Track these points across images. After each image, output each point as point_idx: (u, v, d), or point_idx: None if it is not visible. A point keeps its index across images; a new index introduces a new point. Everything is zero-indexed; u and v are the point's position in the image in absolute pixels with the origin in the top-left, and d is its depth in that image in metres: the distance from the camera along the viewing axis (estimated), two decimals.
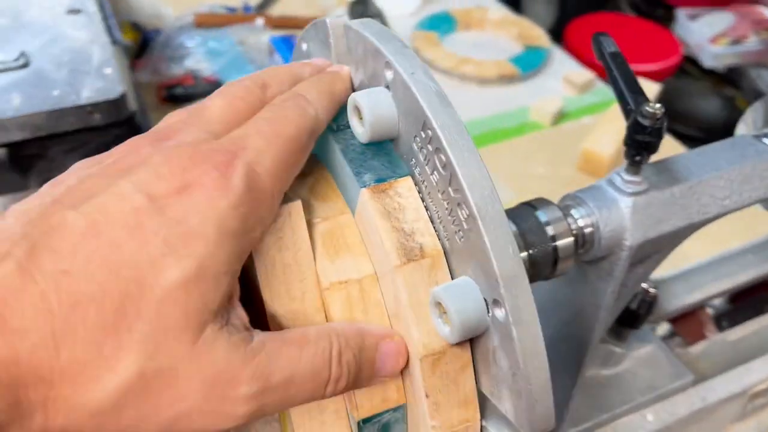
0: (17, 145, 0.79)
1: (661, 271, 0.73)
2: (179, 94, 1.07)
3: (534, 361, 0.27)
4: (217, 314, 0.24)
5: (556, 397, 0.51)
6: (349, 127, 0.33)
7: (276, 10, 1.29)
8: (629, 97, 0.42)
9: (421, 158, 0.30)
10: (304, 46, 0.39)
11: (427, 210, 0.31)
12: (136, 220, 0.23)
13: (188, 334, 0.23)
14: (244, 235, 0.26)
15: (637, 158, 0.42)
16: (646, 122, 0.41)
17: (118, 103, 0.70)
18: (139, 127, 0.88)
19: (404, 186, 0.31)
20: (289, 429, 0.31)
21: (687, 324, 0.67)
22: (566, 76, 1.17)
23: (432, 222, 0.31)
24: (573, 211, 0.43)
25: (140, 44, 1.16)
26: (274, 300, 0.30)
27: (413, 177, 0.31)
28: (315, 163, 0.34)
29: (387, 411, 0.31)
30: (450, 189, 0.28)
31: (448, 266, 0.30)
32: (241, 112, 0.28)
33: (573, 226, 0.43)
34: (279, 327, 0.30)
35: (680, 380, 0.57)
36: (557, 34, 1.83)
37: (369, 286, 0.31)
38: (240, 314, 0.26)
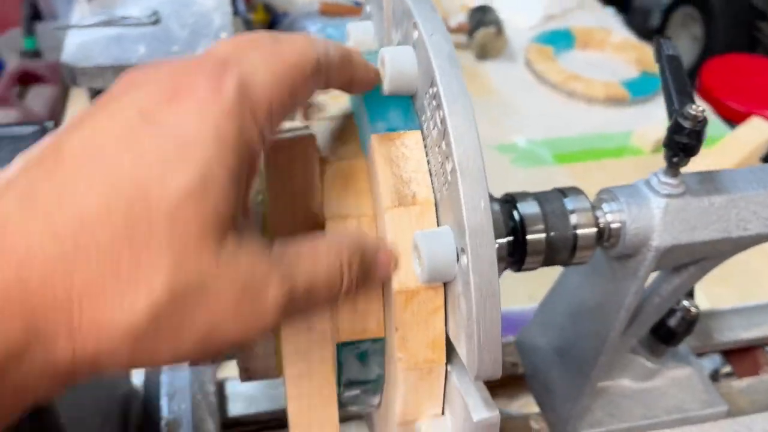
0: None
1: (725, 303, 0.70)
2: None
3: (487, 307, 0.29)
4: (231, 220, 0.24)
5: (569, 390, 0.51)
6: None
7: None
8: (675, 98, 0.42)
9: (428, 113, 0.33)
10: (367, 8, 0.43)
11: (428, 164, 0.33)
12: (130, 134, 0.23)
13: (209, 241, 0.23)
14: (242, 145, 0.25)
15: (675, 159, 0.42)
16: (686, 123, 0.41)
17: None
18: None
19: (412, 139, 0.33)
20: (280, 345, 0.35)
21: (741, 359, 0.64)
22: None
23: (430, 176, 0.33)
24: (604, 205, 0.44)
25: (268, 24, 1.25)
26: (278, 222, 0.33)
27: (422, 132, 0.34)
28: (342, 106, 0.37)
29: (365, 341, 0.34)
30: (443, 143, 0.31)
31: (437, 218, 0.32)
32: (245, 47, 0.27)
33: (600, 219, 0.43)
34: None
35: (712, 408, 0.55)
36: (694, 71, 1.77)
37: (366, 225, 0.34)
38: (252, 222, 0.29)
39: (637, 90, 1.16)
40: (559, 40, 1.29)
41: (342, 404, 0.36)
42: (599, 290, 0.48)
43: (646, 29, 2.41)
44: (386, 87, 0.34)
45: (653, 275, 0.50)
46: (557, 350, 0.54)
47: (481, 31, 1.22)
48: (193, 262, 0.23)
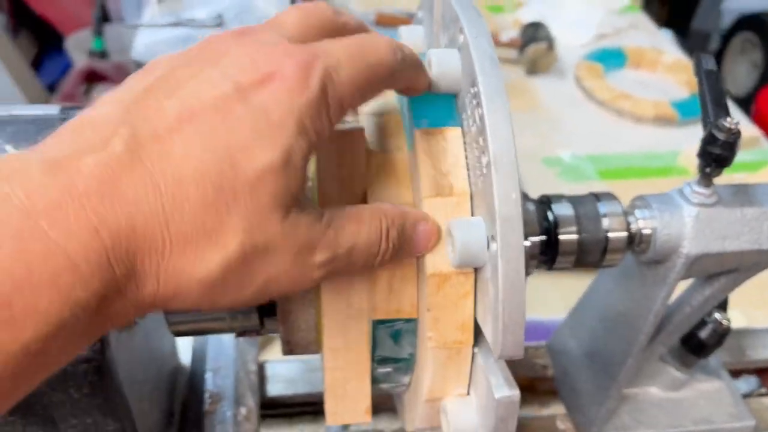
0: None
1: (763, 324, 0.70)
2: None
3: (512, 292, 0.31)
4: (297, 197, 0.28)
5: (596, 392, 0.53)
6: None
7: None
8: (711, 110, 0.44)
9: (469, 111, 0.35)
10: (419, 14, 0.45)
11: (466, 159, 0.36)
12: (226, 106, 0.26)
13: (278, 213, 0.26)
14: (314, 133, 0.28)
15: (707, 170, 0.44)
16: (720, 135, 0.42)
17: None
18: None
19: (452, 134, 0.36)
20: (320, 320, 0.37)
21: None
22: None
23: (467, 169, 0.35)
24: (636, 211, 0.45)
25: None
26: (325, 207, 0.36)
27: (462, 128, 0.36)
28: (390, 104, 0.40)
29: (399, 320, 0.36)
30: (480, 138, 0.33)
31: (471, 209, 0.35)
32: (313, 27, 0.30)
33: (632, 224, 0.45)
34: None
35: (740, 422, 0.56)
36: (752, 97, 1.74)
37: None
38: (306, 195, 0.31)
39: (687, 111, 1.16)
40: (610, 58, 1.30)
41: (375, 380, 0.38)
42: (629, 296, 0.50)
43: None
44: (431, 86, 0.37)
45: (684, 284, 0.51)
46: (587, 353, 0.56)
47: (532, 46, 1.23)
48: (263, 228, 0.26)
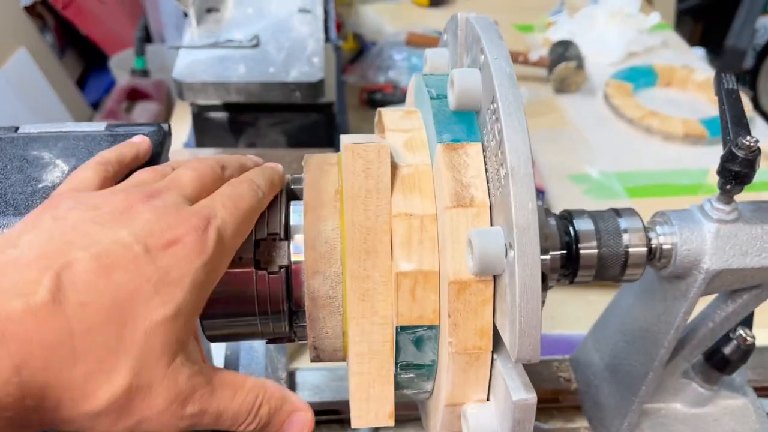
0: (236, 112, 0.97)
1: None
2: (377, 99, 1.20)
3: (529, 297, 0.32)
4: (185, 346, 0.32)
5: (617, 406, 0.53)
6: (446, 96, 0.40)
7: None
8: (731, 129, 0.45)
9: (489, 127, 0.37)
10: (444, 36, 0.47)
11: (486, 172, 0.37)
12: (136, 267, 0.31)
13: (165, 359, 0.31)
14: (209, 284, 0.34)
15: (727, 187, 0.45)
16: (739, 152, 0.43)
17: (316, 86, 0.83)
18: (334, 116, 1.02)
19: (473, 149, 0.37)
20: (347, 327, 0.39)
21: None
22: (761, 147, 1.12)
23: (487, 182, 0.37)
24: (657, 227, 0.46)
25: (357, 52, 1.32)
26: (353, 215, 0.38)
27: (483, 144, 0.38)
28: (415, 122, 0.42)
29: (422, 326, 0.38)
30: (499, 151, 0.35)
31: (491, 219, 0.36)
32: (206, 186, 0.37)
33: (653, 239, 0.46)
34: (353, 239, 0.37)
35: None
36: None
37: (428, 222, 0.38)
38: (199, 348, 0.35)
39: (717, 129, 1.15)
40: (641, 76, 1.30)
41: (398, 385, 0.40)
42: (651, 310, 0.50)
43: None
44: (453, 103, 0.39)
45: (707, 300, 0.52)
46: (609, 367, 0.56)
47: (561, 65, 1.24)
48: (150, 369, 0.31)
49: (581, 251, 0.44)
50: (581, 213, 0.46)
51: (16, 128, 0.44)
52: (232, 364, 0.59)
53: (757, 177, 1.10)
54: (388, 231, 0.38)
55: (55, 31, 2.11)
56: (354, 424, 0.38)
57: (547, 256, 0.42)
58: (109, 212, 0.33)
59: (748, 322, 0.56)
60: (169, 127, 0.46)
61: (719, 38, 2.42)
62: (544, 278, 0.41)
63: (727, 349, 0.55)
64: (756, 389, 0.60)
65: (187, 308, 0.32)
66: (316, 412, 0.61)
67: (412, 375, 0.40)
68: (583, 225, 0.45)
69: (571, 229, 0.45)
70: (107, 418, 0.30)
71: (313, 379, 0.60)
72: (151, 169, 0.38)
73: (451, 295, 0.35)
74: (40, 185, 0.40)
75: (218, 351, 0.61)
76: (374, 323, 0.38)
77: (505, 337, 0.34)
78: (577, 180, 1.08)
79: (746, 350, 0.55)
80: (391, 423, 0.38)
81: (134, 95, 1.79)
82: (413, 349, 0.38)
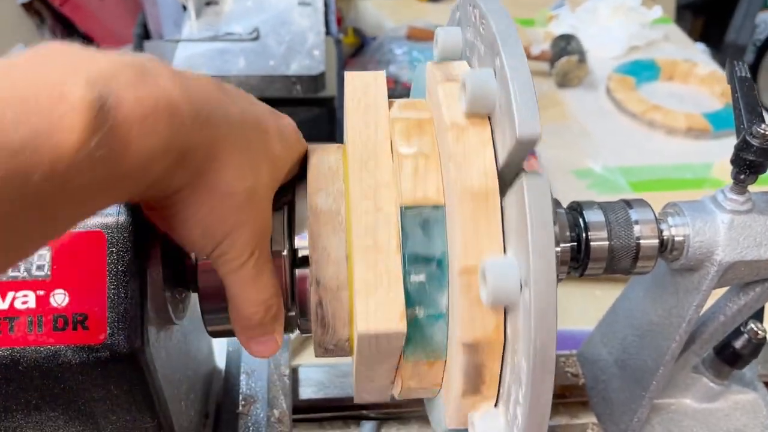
0: None
1: None
2: None
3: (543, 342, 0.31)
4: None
5: (627, 401, 0.52)
6: None
7: None
8: (745, 117, 0.44)
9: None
10: (457, 14, 0.45)
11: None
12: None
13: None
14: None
15: (741, 177, 0.44)
16: (754, 141, 0.42)
17: (317, 79, 0.82)
18: (335, 111, 1.01)
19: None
20: (350, 244, 0.37)
21: None
22: None
23: None
24: (669, 218, 0.45)
25: (358, 47, 1.31)
26: (354, 130, 0.38)
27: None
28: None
29: (426, 206, 0.36)
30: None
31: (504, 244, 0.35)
32: None
33: (665, 231, 0.45)
34: (355, 152, 0.37)
35: None
36: None
37: (426, 123, 0.38)
38: None
39: (720, 122, 1.15)
40: (643, 70, 1.29)
41: (409, 298, 0.36)
42: (662, 303, 0.49)
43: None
44: (465, 107, 0.36)
45: (718, 294, 0.51)
46: (618, 362, 0.55)
47: (563, 59, 1.23)
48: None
49: (591, 243, 0.43)
50: (591, 204, 0.45)
51: None
52: (234, 360, 0.58)
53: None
54: (388, 138, 0.38)
55: (52, 28, 2.09)
56: (359, 328, 0.34)
57: (558, 249, 0.41)
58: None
59: (759, 315, 0.55)
60: None
61: (719, 34, 2.41)
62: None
63: (738, 344, 0.54)
64: (767, 384, 0.60)
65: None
66: (320, 409, 0.61)
67: (422, 277, 0.36)
68: (594, 216, 0.44)
69: (580, 220, 0.44)
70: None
71: (316, 375, 0.59)
72: None
73: (451, 140, 0.35)
74: None
75: (220, 347, 0.60)
76: (378, 219, 0.36)
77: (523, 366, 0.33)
78: (581, 175, 1.07)
79: (757, 344, 0.54)
80: (403, 329, 0.34)
81: None
82: (420, 234, 0.36)
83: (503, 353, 0.35)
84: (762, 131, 0.42)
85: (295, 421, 0.61)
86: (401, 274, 0.35)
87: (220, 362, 0.60)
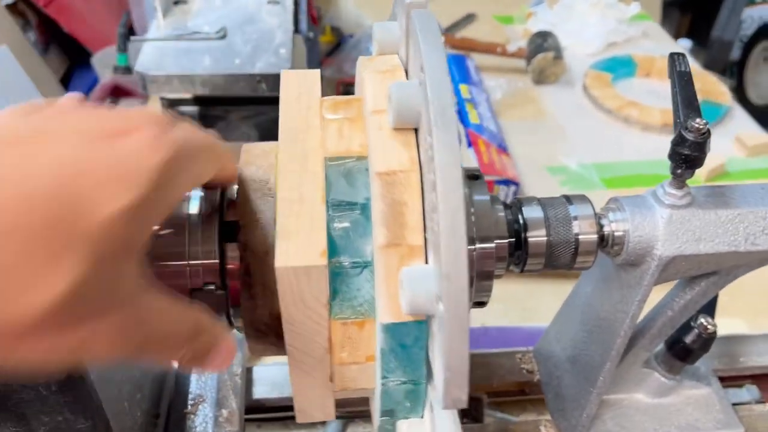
0: (206, 106, 0.96)
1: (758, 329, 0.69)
2: (353, 92, 1.19)
3: (456, 355, 0.31)
4: (140, 249, 0.27)
5: (577, 397, 0.52)
6: None
7: (465, 33, 1.37)
8: (682, 112, 0.44)
9: (425, 149, 0.35)
10: (394, 9, 0.45)
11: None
12: (85, 149, 0.25)
13: (126, 262, 0.26)
14: (163, 196, 0.28)
15: (678, 171, 0.44)
16: (689, 136, 0.42)
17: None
18: None
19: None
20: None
21: None
22: (738, 135, 1.11)
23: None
24: (610, 214, 0.45)
25: (335, 45, 1.31)
26: (285, 110, 0.39)
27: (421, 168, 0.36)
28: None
29: (349, 158, 0.37)
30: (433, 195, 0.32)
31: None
32: None
33: (605, 227, 0.45)
34: (285, 130, 0.38)
35: (728, 429, 0.55)
36: None
37: (355, 102, 0.40)
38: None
39: None
40: (620, 67, 1.29)
41: (334, 247, 0.35)
42: (608, 299, 0.49)
43: (726, 63, 2.35)
44: (392, 120, 0.36)
45: (665, 288, 0.51)
46: (569, 358, 0.55)
47: (539, 56, 1.23)
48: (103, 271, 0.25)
49: (530, 239, 0.43)
50: (531, 200, 0.45)
51: None
52: None
53: (739, 166, 1.09)
54: (317, 115, 0.39)
55: (37, 29, 2.09)
56: (278, 263, 0.33)
57: (493, 245, 0.41)
58: (55, 112, 0.28)
59: (710, 310, 0.55)
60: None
61: (706, 30, 2.41)
62: (490, 275, 0.40)
63: (689, 338, 0.54)
64: (722, 379, 0.59)
65: (151, 206, 0.26)
66: (275, 408, 0.60)
67: (346, 224, 0.36)
68: (532, 212, 0.44)
69: (520, 217, 0.44)
70: (43, 331, 0.24)
71: (271, 374, 0.59)
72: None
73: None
74: None
75: None
76: (304, 177, 0.36)
77: (438, 380, 0.33)
78: (554, 171, 1.07)
79: (707, 339, 0.54)
80: (323, 263, 0.34)
81: (117, 92, 1.77)
82: (344, 183, 0.37)
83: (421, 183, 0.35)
84: (696, 125, 0.42)
85: (255, 421, 0.61)
86: (324, 221, 0.35)
87: (174, 362, 0.60)
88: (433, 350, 0.35)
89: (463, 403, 0.33)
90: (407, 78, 0.40)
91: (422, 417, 0.38)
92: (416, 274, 0.33)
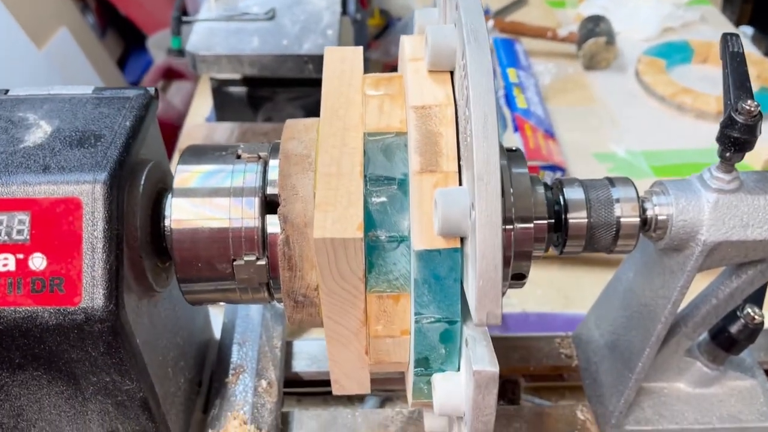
0: (254, 87, 0.97)
1: None
2: None
3: (489, 246, 0.31)
4: None
5: (615, 383, 0.52)
6: None
7: (515, 17, 1.35)
8: (733, 93, 0.42)
9: (461, 87, 0.36)
10: None
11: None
12: None
13: None
14: None
15: (726, 155, 0.42)
16: (739, 118, 0.41)
17: None
18: None
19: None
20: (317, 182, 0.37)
21: None
22: None
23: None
24: (654, 197, 0.45)
25: (383, 28, 1.31)
26: (327, 85, 0.41)
27: (455, 102, 0.37)
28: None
29: (389, 133, 0.38)
30: (467, 109, 0.33)
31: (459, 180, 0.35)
32: None
33: (648, 210, 0.44)
34: (327, 107, 0.39)
35: None
36: None
37: (397, 79, 0.41)
38: None
39: None
40: (675, 53, 1.25)
41: (371, 219, 0.36)
42: (649, 284, 0.49)
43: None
44: (428, 62, 0.37)
45: (710, 276, 0.50)
46: (609, 344, 0.55)
47: (591, 41, 1.20)
48: None
49: (570, 221, 0.43)
50: (572, 181, 0.45)
51: (6, 91, 0.45)
52: (228, 331, 0.59)
53: None
54: (359, 92, 0.40)
55: (96, 12, 2.14)
56: (316, 234, 0.34)
57: (531, 225, 0.41)
58: None
59: (758, 300, 0.54)
60: (156, 91, 0.46)
61: None
62: (528, 255, 0.40)
63: (734, 328, 0.52)
64: None
65: None
66: (313, 383, 0.62)
67: (383, 198, 0.36)
68: (573, 194, 0.44)
69: (561, 198, 0.44)
70: None
71: (310, 348, 0.60)
72: None
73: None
74: (21, 145, 0.40)
75: (216, 320, 0.61)
76: (344, 152, 0.37)
77: (471, 301, 0.33)
78: (602, 158, 1.05)
79: (754, 329, 0.52)
80: (360, 235, 0.35)
81: (170, 75, 1.81)
82: (382, 158, 0.37)
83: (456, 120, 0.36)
84: (747, 108, 0.41)
85: (290, 394, 0.62)
86: (362, 195, 0.36)
87: (217, 333, 0.61)
88: (467, 279, 0.34)
89: (497, 318, 0.32)
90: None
91: (458, 370, 0.37)
92: (450, 193, 0.33)
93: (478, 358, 0.33)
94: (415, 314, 0.36)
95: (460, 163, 0.35)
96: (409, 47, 0.39)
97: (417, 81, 0.36)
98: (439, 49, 0.37)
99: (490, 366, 0.33)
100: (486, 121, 0.31)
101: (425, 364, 0.37)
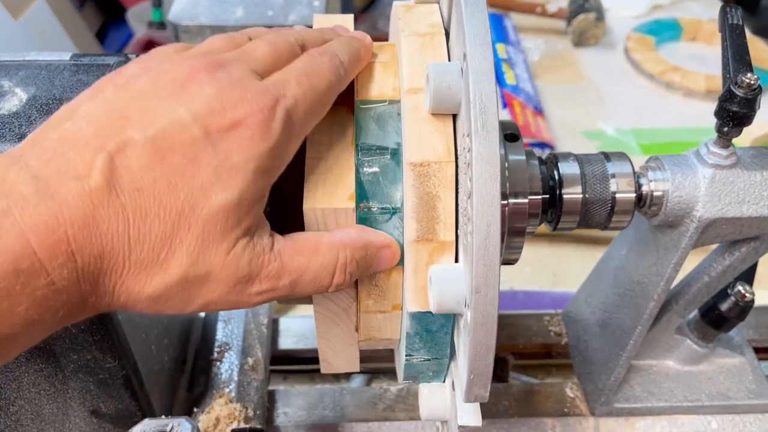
0: None
1: None
2: None
3: (482, 346, 0.31)
4: (247, 232, 0.30)
5: (605, 361, 0.51)
6: None
7: None
8: (732, 66, 0.41)
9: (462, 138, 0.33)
10: None
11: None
12: (193, 151, 0.28)
13: (223, 246, 0.29)
14: (274, 171, 0.31)
15: (725, 129, 0.42)
16: (738, 91, 0.40)
17: None
18: None
19: None
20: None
21: None
22: None
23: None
24: (650, 172, 0.44)
25: (370, 2, 1.28)
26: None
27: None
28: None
29: (382, 101, 0.36)
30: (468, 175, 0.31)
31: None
32: (281, 62, 0.33)
33: (644, 186, 0.43)
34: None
35: (758, 400, 0.53)
36: None
37: (388, 46, 0.40)
38: (265, 227, 0.32)
39: None
40: (664, 30, 1.24)
41: (363, 190, 0.35)
42: (642, 261, 0.48)
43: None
44: (429, 104, 0.34)
45: (701, 255, 0.49)
46: (599, 321, 0.54)
47: (580, 17, 1.19)
48: (206, 259, 0.29)
49: (565, 196, 0.42)
50: (567, 156, 0.44)
51: None
52: None
53: None
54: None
55: None
56: (306, 205, 0.34)
57: (525, 200, 0.40)
58: (170, 82, 0.30)
59: (749, 278, 0.54)
60: (137, 57, 0.44)
61: None
62: (521, 231, 0.39)
63: (724, 306, 0.52)
64: (757, 350, 0.58)
65: (250, 195, 0.30)
66: (300, 360, 0.61)
67: (375, 168, 0.35)
68: (568, 168, 0.43)
69: (555, 172, 0.43)
70: (166, 302, 0.29)
71: (296, 326, 0.59)
72: (225, 36, 0.34)
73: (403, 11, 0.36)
74: None
75: None
76: (334, 120, 0.36)
77: (462, 374, 0.33)
78: (590, 136, 1.04)
79: (744, 307, 0.52)
80: (351, 205, 0.34)
81: (151, 48, 1.77)
82: (375, 127, 0.36)
83: (456, 179, 0.34)
84: (747, 80, 0.40)
85: (277, 372, 0.61)
86: (353, 165, 0.35)
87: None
88: (458, 339, 0.34)
89: (485, 398, 0.33)
90: (447, 43, 0.38)
91: (443, 382, 0.38)
92: (446, 274, 0.33)
93: (464, 412, 0.33)
94: (406, 355, 0.37)
95: (458, 232, 0.34)
96: (406, 69, 0.35)
97: (416, 126, 0.34)
98: (442, 96, 0.33)
99: (474, 422, 0.33)
100: (488, 232, 0.30)
101: (414, 379, 0.39)
